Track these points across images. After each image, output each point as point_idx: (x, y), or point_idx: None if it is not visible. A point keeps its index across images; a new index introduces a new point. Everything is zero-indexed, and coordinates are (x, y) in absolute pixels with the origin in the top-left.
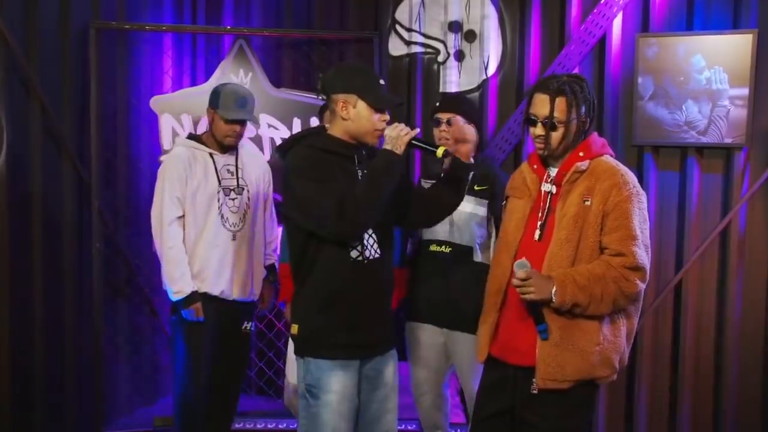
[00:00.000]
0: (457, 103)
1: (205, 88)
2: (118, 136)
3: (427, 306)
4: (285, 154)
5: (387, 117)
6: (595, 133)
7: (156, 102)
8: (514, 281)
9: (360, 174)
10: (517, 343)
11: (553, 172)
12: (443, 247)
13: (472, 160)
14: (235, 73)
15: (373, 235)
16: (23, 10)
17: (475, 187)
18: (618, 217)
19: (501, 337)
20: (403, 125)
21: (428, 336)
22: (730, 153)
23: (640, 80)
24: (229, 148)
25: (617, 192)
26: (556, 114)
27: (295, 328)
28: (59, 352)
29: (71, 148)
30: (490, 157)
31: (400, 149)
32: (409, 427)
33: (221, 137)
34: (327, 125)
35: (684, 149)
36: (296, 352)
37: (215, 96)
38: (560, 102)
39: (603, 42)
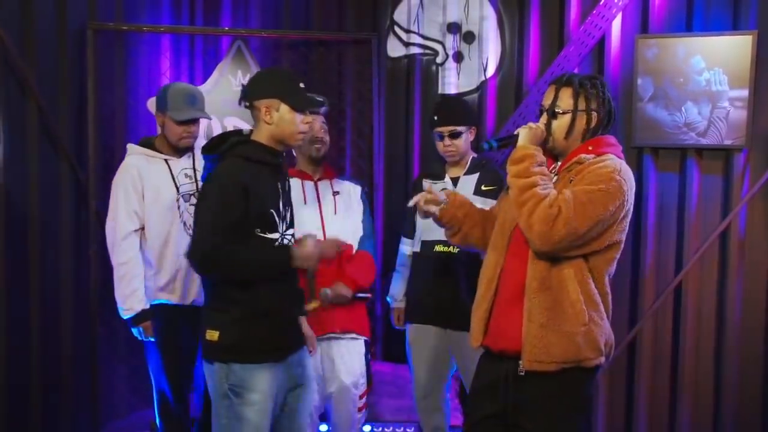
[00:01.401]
0: (454, 113)
1: (204, 90)
2: (115, 138)
3: (433, 307)
4: (214, 158)
5: (310, 119)
6: (612, 137)
7: (153, 103)
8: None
9: (280, 186)
10: (507, 328)
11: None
12: (451, 247)
13: (470, 161)
14: (233, 75)
15: (292, 241)
16: (20, 11)
17: (483, 187)
18: (585, 179)
19: (492, 326)
20: (315, 254)
21: (433, 338)
22: (729, 154)
23: (639, 81)
24: (185, 151)
25: (601, 170)
26: (558, 103)
27: (215, 335)
28: (56, 354)
29: (68, 150)
30: (491, 159)
31: (299, 264)
32: (408, 430)
33: (176, 140)
34: (244, 130)
35: (684, 151)
36: (214, 358)
37: (162, 98)
38: (565, 92)
39: (602, 43)
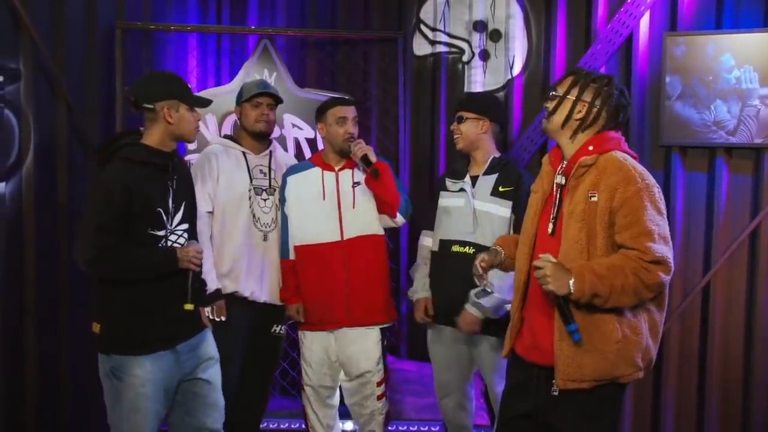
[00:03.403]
0: (465, 99)
1: (230, 88)
2: None
3: (449, 308)
4: (103, 160)
5: (199, 115)
6: (612, 131)
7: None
8: (536, 271)
9: (170, 184)
10: (539, 341)
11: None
12: (467, 248)
13: (489, 161)
14: (260, 73)
15: (183, 235)
16: (50, 11)
17: (500, 188)
18: (628, 214)
19: (525, 335)
20: (197, 259)
21: (451, 338)
22: (759, 153)
23: (667, 80)
24: (262, 138)
25: (624, 188)
26: (557, 87)
27: (97, 327)
28: (86, 349)
29: (97, 147)
30: (514, 158)
31: (179, 266)
32: (434, 429)
33: (251, 125)
34: (141, 129)
35: (712, 150)
36: (98, 349)
37: (239, 93)
38: (567, 79)
39: (630, 41)
